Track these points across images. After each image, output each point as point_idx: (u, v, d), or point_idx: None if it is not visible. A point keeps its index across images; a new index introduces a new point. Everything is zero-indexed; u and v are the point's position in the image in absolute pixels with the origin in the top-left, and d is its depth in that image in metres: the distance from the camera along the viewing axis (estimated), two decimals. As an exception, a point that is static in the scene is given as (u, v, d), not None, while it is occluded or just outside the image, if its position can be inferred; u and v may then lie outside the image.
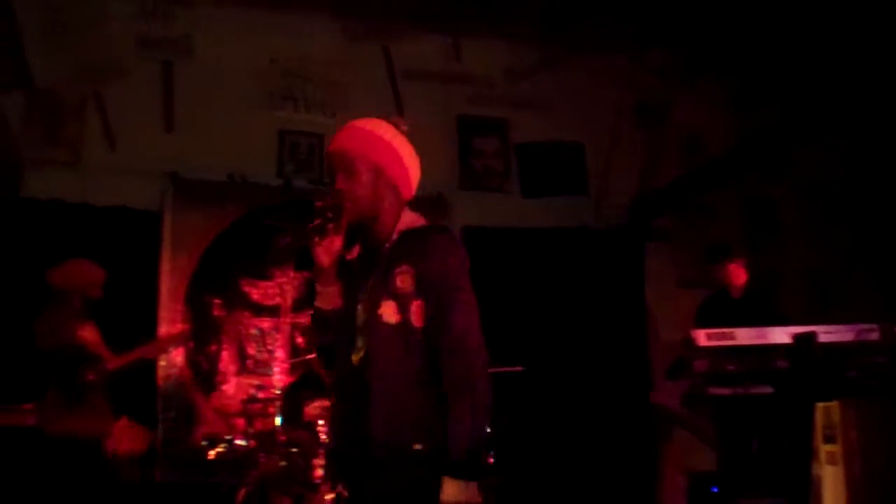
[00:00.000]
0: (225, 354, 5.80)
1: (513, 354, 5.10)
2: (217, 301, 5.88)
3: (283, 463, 4.67)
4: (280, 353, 5.41)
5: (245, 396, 5.49)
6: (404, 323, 2.50)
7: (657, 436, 6.36)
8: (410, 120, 2.78)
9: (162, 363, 5.68)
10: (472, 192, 6.60)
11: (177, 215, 5.92)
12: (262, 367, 5.54)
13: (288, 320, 5.63)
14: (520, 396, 5.59)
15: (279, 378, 5.00)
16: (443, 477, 2.38)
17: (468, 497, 2.36)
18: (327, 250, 2.55)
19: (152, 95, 6.13)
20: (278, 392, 4.85)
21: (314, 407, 4.95)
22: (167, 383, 5.72)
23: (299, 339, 5.85)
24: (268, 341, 5.85)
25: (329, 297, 2.62)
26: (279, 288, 5.80)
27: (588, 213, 6.66)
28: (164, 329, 5.69)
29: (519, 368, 4.92)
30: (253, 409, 5.09)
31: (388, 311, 2.51)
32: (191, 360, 5.77)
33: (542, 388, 5.94)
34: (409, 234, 2.64)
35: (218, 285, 5.92)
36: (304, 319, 5.80)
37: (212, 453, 4.70)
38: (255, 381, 5.60)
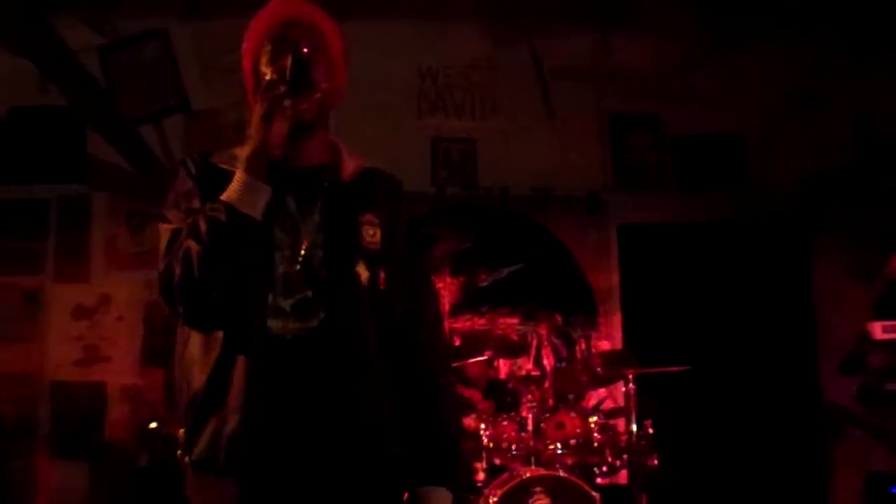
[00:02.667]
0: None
1: (677, 353, 4.98)
2: (377, 309, 5.96)
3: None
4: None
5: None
6: (373, 285, 2.00)
7: (829, 435, 6.07)
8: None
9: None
10: (626, 190, 6.48)
11: (334, 227, 6.03)
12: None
13: (446, 325, 5.65)
14: (685, 396, 5.49)
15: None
16: (428, 488, 2.03)
17: None
18: (281, 125, 1.88)
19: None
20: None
21: (471, 417, 4.96)
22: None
23: (458, 343, 5.88)
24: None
25: (258, 200, 1.86)
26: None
27: (749, 205, 6.44)
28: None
29: (684, 368, 4.79)
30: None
31: (363, 271, 1.98)
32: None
33: (708, 387, 5.77)
34: (368, 173, 2.16)
35: (376, 294, 5.99)
36: (462, 324, 5.83)
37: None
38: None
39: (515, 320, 5.96)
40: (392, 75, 6.31)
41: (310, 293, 1.93)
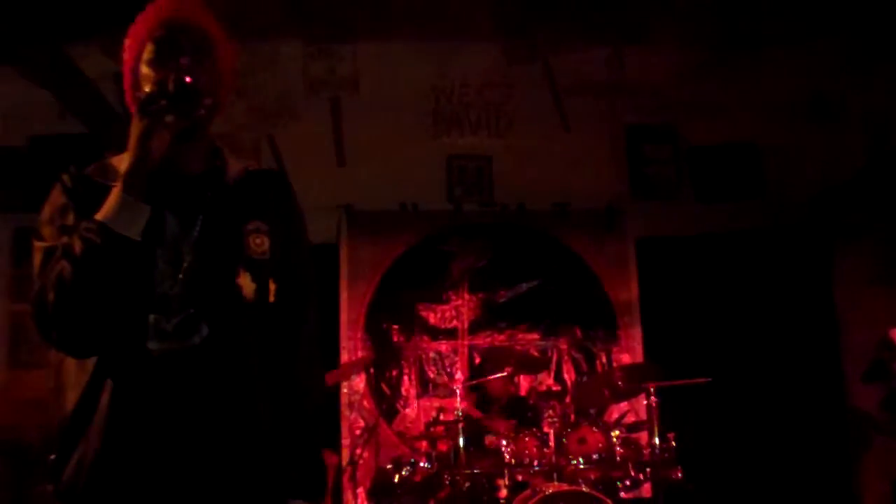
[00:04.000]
0: (405, 379, 5.90)
1: (698, 365, 4.95)
2: (395, 327, 6.00)
3: (468, 484, 4.67)
4: (459, 376, 5.45)
5: (427, 419, 5.56)
6: (261, 298, 1.88)
7: (855, 442, 6.02)
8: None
9: (344, 390, 5.84)
10: (645, 201, 6.47)
11: (352, 246, 6.08)
12: (442, 389, 5.58)
13: (466, 342, 5.67)
14: (708, 408, 5.46)
15: (460, 400, 5.02)
16: (291, 500, 1.91)
17: None
18: (161, 140, 1.74)
19: (322, 132, 6.32)
20: (460, 414, 4.87)
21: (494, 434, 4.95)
22: (350, 409, 5.87)
23: (477, 361, 5.88)
24: (447, 364, 5.91)
25: (137, 220, 1.72)
26: (455, 311, 5.86)
27: (767, 213, 6.41)
28: (345, 357, 5.86)
29: (704, 380, 4.76)
30: (435, 431, 5.12)
31: (246, 284, 1.85)
32: (373, 385, 5.89)
33: (731, 399, 5.73)
34: (255, 175, 2.02)
35: (395, 312, 6.05)
36: (481, 341, 5.83)
37: (397, 476, 4.74)
38: (437, 404, 5.65)
39: (535, 336, 5.96)
40: (407, 94, 6.35)
41: (192, 311, 1.80)
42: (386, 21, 6.16)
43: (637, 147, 6.60)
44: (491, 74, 6.48)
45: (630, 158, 6.57)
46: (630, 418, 5.52)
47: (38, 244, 1.83)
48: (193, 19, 1.91)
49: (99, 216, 1.72)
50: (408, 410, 5.83)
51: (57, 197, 1.89)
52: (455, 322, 5.86)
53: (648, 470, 4.69)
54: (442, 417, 5.33)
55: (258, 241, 1.89)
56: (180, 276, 1.80)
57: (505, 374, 5.14)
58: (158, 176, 1.79)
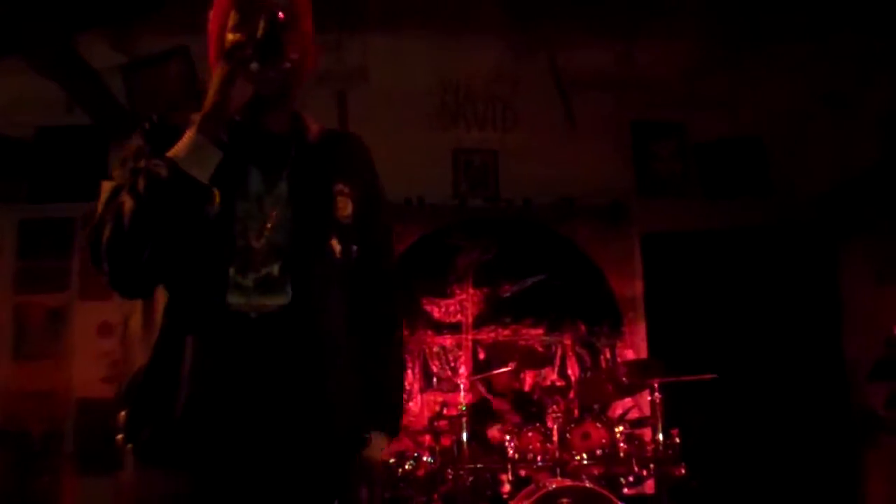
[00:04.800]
0: (409, 373, 5.88)
1: (703, 361, 4.93)
2: (400, 321, 5.98)
3: (471, 479, 4.67)
4: (463, 370, 5.44)
5: (431, 414, 5.55)
6: (346, 261, 1.90)
7: (860, 441, 5.99)
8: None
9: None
10: (651, 197, 6.45)
11: (356, 239, 6.05)
12: (446, 384, 5.57)
13: (470, 337, 5.66)
14: (712, 404, 5.45)
15: (463, 395, 5.02)
16: (372, 431, 1.92)
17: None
18: (243, 89, 1.76)
19: (328, 124, 6.27)
20: (463, 409, 4.86)
21: (496, 428, 4.95)
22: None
23: (482, 356, 5.87)
24: (451, 358, 5.90)
25: (206, 162, 1.71)
26: (459, 305, 5.84)
27: (774, 210, 6.38)
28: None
29: (710, 376, 4.75)
30: (439, 425, 5.12)
31: (336, 244, 1.87)
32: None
33: (735, 395, 5.71)
34: (335, 137, 2.06)
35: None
36: (486, 336, 5.82)
37: (400, 470, 4.73)
38: (440, 399, 5.65)
39: (539, 331, 5.95)
40: (413, 87, 6.33)
41: (275, 269, 1.79)
42: (395, 13, 6.15)
43: (643, 142, 6.59)
44: (498, 69, 6.46)
45: (636, 154, 6.55)
46: (634, 414, 5.52)
47: (105, 183, 1.85)
48: None
49: (169, 153, 1.72)
50: (411, 405, 5.82)
51: (134, 141, 1.90)
52: (459, 316, 5.85)
53: (652, 466, 4.68)
54: (445, 412, 5.33)
55: (342, 203, 1.90)
56: (266, 231, 1.79)
57: (509, 368, 5.14)
58: (243, 131, 1.83)
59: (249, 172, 1.84)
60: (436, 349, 5.93)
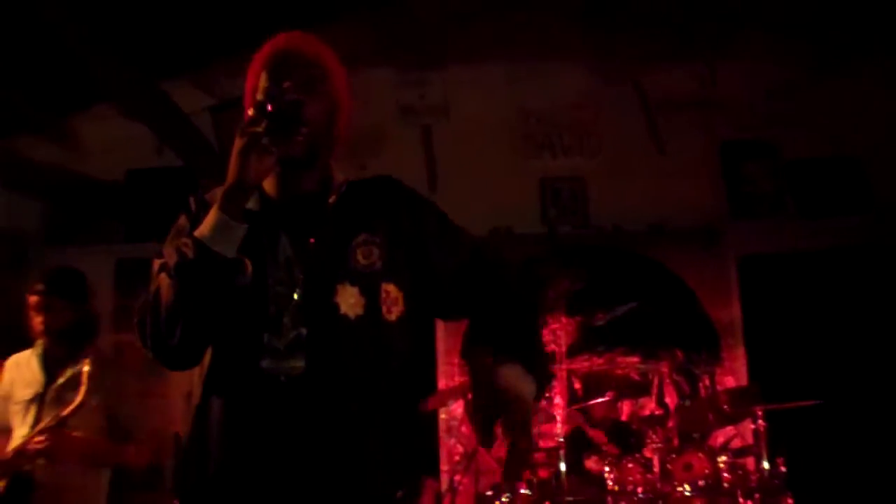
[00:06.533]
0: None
1: (806, 387, 4.81)
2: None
3: (570, 511, 4.59)
4: (558, 401, 5.35)
5: (527, 446, 5.48)
6: (371, 315, 1.85)
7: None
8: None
9: (443, 416, 5.82)
10: (744, 219, 6.30)
11: (447, 273, 6.03)
12: (541, 415, 5.49)
13: (564, 367, 5.57)
14: (817, 431, 5.28)
15: (560, 426, 4.94)
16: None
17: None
18: (259, 163, 1.75)
19: (414, 159, 6.34)
20: (561, 440, 4.78)
21: (594, 459, 4.86)
22: (449, 435, 5.84)
23: (577, 386, 5.79)
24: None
25: (231, 238, 1.75)
26: (553, 335, 5.75)
27: (874, 229, 6.18)
28: (443, 383, 5.84)
29: (814, 402, 4.60)
30: (535, 457, 5.04)
31: (348, 300, 1.84)
32: (471, 411, 5.83)
33: (841, 421, 5.52)
34: (359, 186, 2.00)
35: (491, 337, 5.97)
36: (580, 365, 5.73)
37: (497, 503, 4.67)
38: (536, 430, 5.57)
39: (635, 359, 5.85)
40: (497, 117, 6.35)
41: (304, 331, 1.81)
42: (475, 47, 6.15)
43: (734, 164, 6.46)
44: (581, 95, 6.43)
45: (727, 175, 6.43)
46: (737, 443, 5.36)
47: (155, 261, 1.89)
48: (305, 49, 1.96)
49: (196, 232, 1.77)
50: (505, 435, 5.76)
51: (180, 219, 1.99)
52: (552, 346, 5.75)
53: (757, 496, 4.54)
54: (541, 444, 5.24)
55: (366, 252, 1.88)
56: (294, 296, 1.82)
57: (606, 398, 5.04)
58: (271, 201, 1.90)
59: (279, 238, 1.88)
60: (530, 379, 5.87)
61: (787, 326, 5.88)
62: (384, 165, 6.13)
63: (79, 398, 3.48)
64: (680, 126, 6.37)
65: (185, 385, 5.92)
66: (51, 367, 3.72)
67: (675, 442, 4.87)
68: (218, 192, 1.85)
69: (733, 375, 5.91)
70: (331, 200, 1.94)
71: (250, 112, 1.80)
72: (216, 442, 1.80)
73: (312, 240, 1.88)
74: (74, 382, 3.55)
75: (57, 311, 3.73)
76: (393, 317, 1.89)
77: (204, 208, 1.88)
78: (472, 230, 6.25)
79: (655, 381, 5.77)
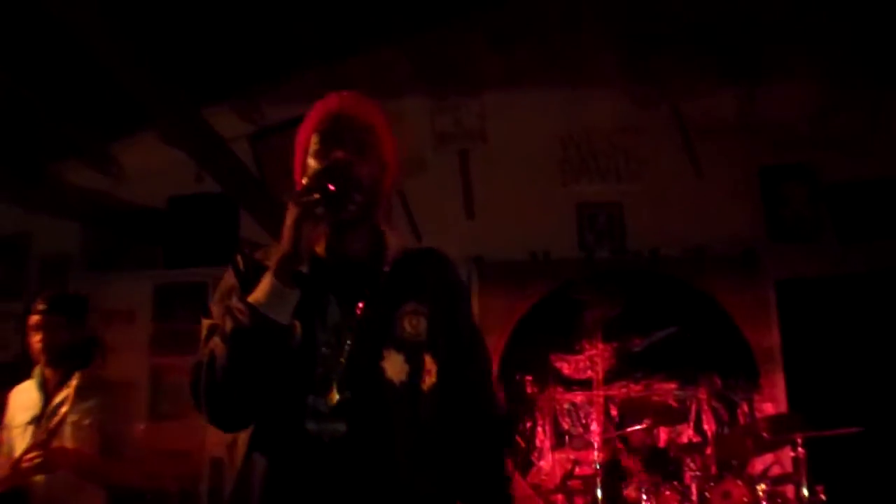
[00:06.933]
0: (540, 431, 5.81)
1: (847, 414, 4.74)
2: (529, 378, 5.92)
3: (608, 540, 4.56)
4: (595, 427, 5.33)
5: (563, 472, 5.45)
6: (412, 383, 1.89)
7: None
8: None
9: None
10: (783, 243, 6.25)
11: (484, 298, 6.04)
12: (578, 441, 5.47)
13: (601, 393, 5.54)
14: (858, 459, 5.20)
15: (597, 453, 4.91)
16: None
17: None
18: (313, 231, 1.78)
19: (451, 185, 6.36)
20: (597, 467, 4.75)
21: (632, 486, 4.83)
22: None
23: (614, 412, 5.76)
24: (582, 415, 5.80)
25: (286, 305, 1.77)
26: (589, 361, 5.73)
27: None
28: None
29: (855, 429, 4.55)
30: (572, 485, 5.02)
31: (394, 366, 1.88)
32: (508, 438, 5.82)
33: (884, 449, 5.45)
34: (412, 257, 2.04)
35: (528, 362, 5.98)
36: (617, 392, 5.69)
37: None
38: (572, 457, 5.54)
39: (673, 385, 5.79)
40: (534, 143, 6.36)
41: (348, 395, 1.83)
42: (511, 72, 6.19)
43: (772, 187, 6.41)
44: (618, 120, 6.41)
45: (766, 199, 6.38)
46: (776, 471, 5.30)
47: (204, 321, 1.92)
48: (357, 113, 1.99)
49: (250, 298, 1.78)
50: (542, 463, 5.73)
51: (228, 278, 2.01)
52: (590, 372, 5.72)
53: (797, 525, 4.49)
54: (578, 471, 5.22)
55: (413, 322, 1.91)
56: (342, 359, 1.84)
57: (644, 426, 5.01)
58: (323, 261, 1.92)
59: (329, 302, 1.90)
60: (566, 406, 5.85)
61: (826, 351, 5.80)
62: (422, 190, 6.18)
63: (63, 409, 3.54)
64: (718, 150, 6.33)
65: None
66: (48, 388, 3.76)
67: (714, 469, 4.83)
68: (269, 253, 1.89)
69: (772, 402, 5.84)
70: (386, 269, 1.97)
71: (304, 181, 1.82)
72: (258, 500, 1.82)
73: (362, 304, 1.90)
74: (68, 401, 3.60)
75: (55, 330, 3.78)
76: (426, 387, 1.92)
77: (253, 269, 1.92)
78: (510, 255, 6.30)
79: (693, 408, 5.71)
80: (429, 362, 1.92)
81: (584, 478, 4.91)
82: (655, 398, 5.72)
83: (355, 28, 5.63)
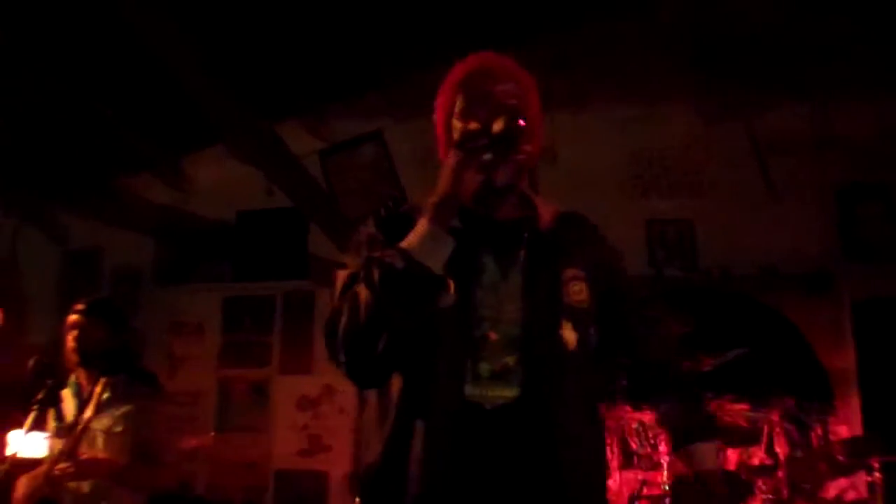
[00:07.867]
0: (608, 450, 5.74)
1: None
2: (597, 396, 5.86)
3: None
4: (663, 447, 5.24)
5: (631, 492, 5.37)
6: (583, 348, 1.82)
7: None
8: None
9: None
10: (859, 263, 6.10)
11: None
12: (646, 461, 5.38)
13: (670, 413, 5.46)
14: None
15: (665, 474, 4.83)
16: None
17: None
18: (472, 180, 1.73)
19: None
20: (666, 488, 4.68)
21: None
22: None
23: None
24: (650, 435, 5.70)
25: (440, 252, 1.67)
26: (658, 380, 5.66)
27: None
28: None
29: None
30: (641, 505, 4.95)
31: (569, 334, 1.79)
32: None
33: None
34: (568, 219, 1.99)
35: (596, 381, 5.90)
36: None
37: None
38: (640, 476, 5.45)
39: (744, 407, 5.67)
40: (604, 158, 6.33)
41: (511, 361, 1.75)
42: (581, 91, 6.14)
43: (848, 206, 6.28)
44: (689, 137, 6.35)
45: (841, 218, 6.25)
46: (850, 496, 5.17)
47: (340, 273, 1.88)
48: (502, 68, 1.93)
49: (402, 243, 1.69)
50: (610, 482, 5.66)
51: (367, 228, 1.93)
52: (657, 392, 5.66)
53: (872, 551, 4.37)
54: (646, 491, 5.14)
55: (577, 288, 1.84)
56: (502, 322, 1.76)
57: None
58: (474, 218, 1.83)
59: (484, 261, 1.82)
60: (634, 425, 5.74)
61: (904, 374, 5.67)
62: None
63: (86, 415, 3.54)
64: (791, 167, 6.23)
65: (287, 419, 5.98)
66: (82, 395, 3.74)
67: (785, 493, 4.74)
68: (414, 209, 1.82)
69: (847, 425, 5.71)
70: (544, 226, 1.90)
71: (468, 125, 1.80)
72: (415, 467, 1.71)
73: (522, 266, 1.82)
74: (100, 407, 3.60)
75: (91, 331, 3.74)
76: (591, 355, 1.88)
77: (397, 220, 1.85)
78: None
79: (765, 430, 5.58)
80: (594, 330, 1.87)
81: (652, 497, 4.82)
82: (726, 419, 5.61)
83: (425, 48, 5.65)
